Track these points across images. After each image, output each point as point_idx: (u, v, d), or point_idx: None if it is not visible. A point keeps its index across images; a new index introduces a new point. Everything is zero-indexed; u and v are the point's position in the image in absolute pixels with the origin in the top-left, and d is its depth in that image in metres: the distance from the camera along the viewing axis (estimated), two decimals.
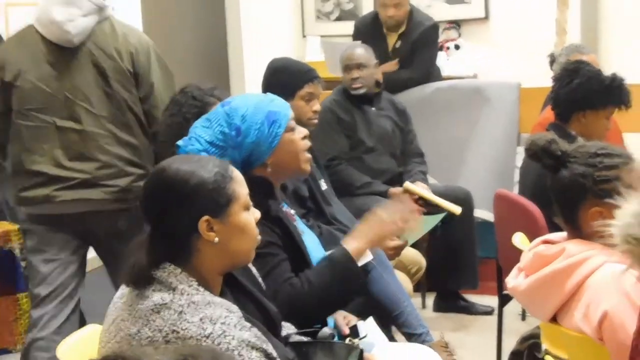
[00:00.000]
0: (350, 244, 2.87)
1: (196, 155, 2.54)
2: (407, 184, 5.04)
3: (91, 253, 3.99)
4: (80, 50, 3.73)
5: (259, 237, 2.25)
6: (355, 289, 2.88)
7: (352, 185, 5.04)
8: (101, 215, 3.76)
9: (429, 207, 4.88)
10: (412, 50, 6.03)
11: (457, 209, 4.88)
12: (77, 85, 3.73)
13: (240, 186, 2.18)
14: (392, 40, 6.11)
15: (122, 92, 3.76)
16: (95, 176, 3.74)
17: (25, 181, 3.78)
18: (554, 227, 2.79)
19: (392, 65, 5.97)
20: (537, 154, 2.62)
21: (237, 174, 2.20)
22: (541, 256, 2.53)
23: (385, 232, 2.93)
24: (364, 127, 5.26)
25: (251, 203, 2.21)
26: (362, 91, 5.26)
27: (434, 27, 6.15)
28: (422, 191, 4.99)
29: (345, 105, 5.28)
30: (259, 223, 2.26)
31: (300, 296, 2.74)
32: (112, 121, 3.76)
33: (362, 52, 5.32)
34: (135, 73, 3.78)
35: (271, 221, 2.73)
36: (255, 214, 2.23)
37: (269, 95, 2.89)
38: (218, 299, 2.08)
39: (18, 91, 3.74)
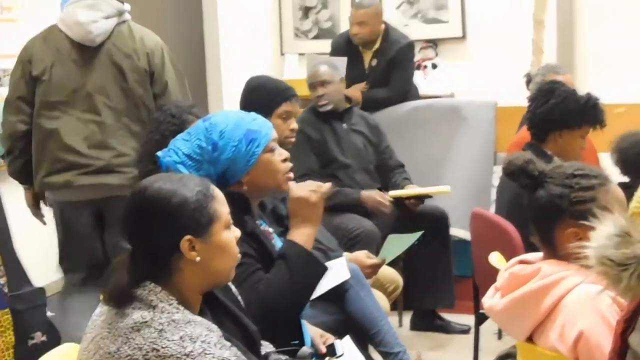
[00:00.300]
0: (293, 235, 2.91)
1: (177, 174, 2.52)
2: (392, 192, 5.09)
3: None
4: (101, 49, 4.09)
5: (239, 256, 2.25)
6: (315, 273, 2.89)
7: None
8: (119, 200, 3.83)
9: (421, 200, 5.14)
10: (388, 69, 6.05)
11: (446, 189, 5.06)
12: (97, 81, 4.06)
13: (221, 205, 2.18)
14: (368, 58, 6.13)
15: (138, 89, 4.09)
16: (111, 163, 4.05)
17: (48, 167, 4.07)
18: (530, 247, 2.80)
19: (361, 87, 5.99)
20: (515, 173, 2.62)
21: (218, 193, 2.20)
22: (517, 276, 2.54)
23: (313, 205, 2.93)
24: (335, 143, 5.26)
25: (232, 221, 2.22)
26: (328, 108, 5.28)
27: (410, 46, 6.17)
28: (407, 191, 5.12)
29: (314, 123, 5.28)
30: None
31: (267, 298, 2.74)
32: (128, 115, 4.09)
33: (325, 69, 5.33)
34: (150, 72, 4.11)
35: (247, 236, 2.73)
36: (235, 232, 2.23)
37: (252, 114, 2.90)
38: (198, 318, 2.08)
39: (43, 85, 4.07)
